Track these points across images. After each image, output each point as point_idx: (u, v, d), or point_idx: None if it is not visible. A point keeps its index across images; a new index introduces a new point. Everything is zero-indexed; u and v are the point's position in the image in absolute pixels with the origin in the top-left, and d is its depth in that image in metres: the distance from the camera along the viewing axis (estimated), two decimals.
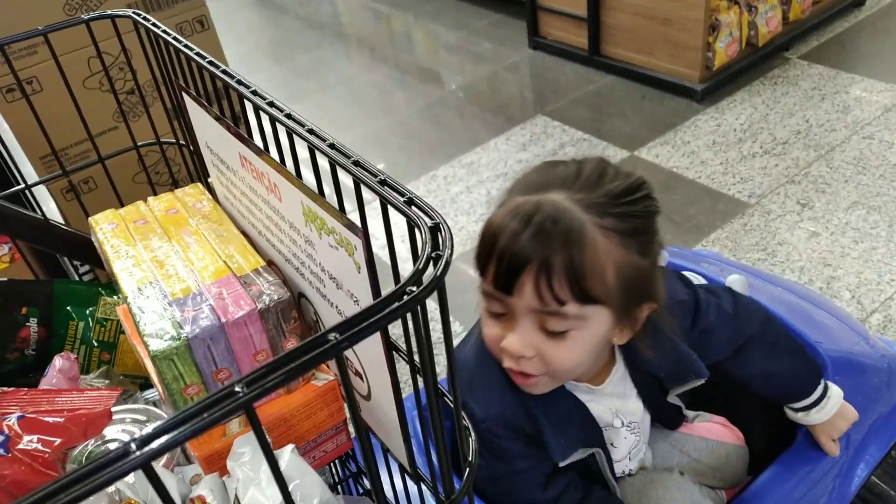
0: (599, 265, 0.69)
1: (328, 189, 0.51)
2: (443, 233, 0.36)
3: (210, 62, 0.59)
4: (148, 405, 0.72)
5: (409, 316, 0.38)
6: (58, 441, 0.49)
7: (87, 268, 1.44)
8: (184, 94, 0.70)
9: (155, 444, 0.27)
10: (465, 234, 2.37)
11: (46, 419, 0.49)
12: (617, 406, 0.94)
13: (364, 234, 0.46)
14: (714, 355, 0.98)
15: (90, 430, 0.52)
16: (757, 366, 1.01)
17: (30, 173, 1.61)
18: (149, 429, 0.28)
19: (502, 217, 0.72)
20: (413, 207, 0.39)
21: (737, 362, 1.01)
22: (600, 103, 2.99)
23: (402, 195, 0.40)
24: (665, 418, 1.06)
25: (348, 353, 0.63)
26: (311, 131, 0.47)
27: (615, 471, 0.97)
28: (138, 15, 0.73)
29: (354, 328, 0.31)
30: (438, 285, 0.33)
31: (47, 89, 1.52)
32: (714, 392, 1.08)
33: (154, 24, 0.70)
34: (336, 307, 0.59)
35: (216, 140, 0.69)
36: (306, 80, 3.67)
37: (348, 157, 0.44)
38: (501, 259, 0.70)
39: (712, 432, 1.13)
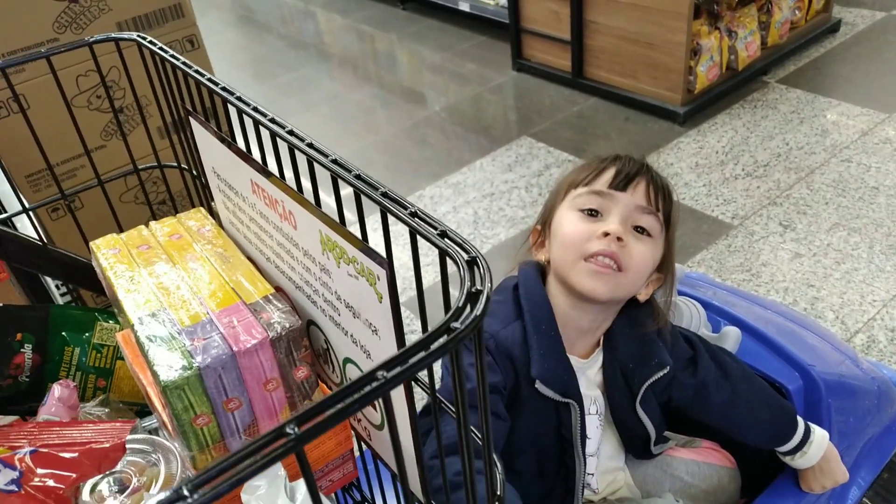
0: (675, 204, 0.97)
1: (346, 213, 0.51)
2: (480, 268, 0.36)
3: (224, 88, 0.59)
4: (148, 434, 0.71)
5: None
6: (73, 476, 0.48)
7: (65, 292, 1.42)
8: (191, 119, 0.70)
9: (206, 489, 0.27)
10: None
11: (61, 454, 0.48)
12: (595, 393, 1.00)
13: (389, 264, 0.46)
14: (678, 395, 1.04)
15: (105, 464, 0.51)
16: (720, 409, 1.04)
17: (5, 193, 1.58)
18: (199, 474, 0.27)
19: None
20: (447, 240, 0.39)
21: (700, 406, 1.04)
22: (584, 125, 3.02)
23: (435, 228, 0.40)
24: (633, 447, 1.07)
25: None
26: (335, 161, 0.47)
27: (587, 467, 1.01)
28: (143, 39, 0.73)
29: (401, 366, 0.31)
30: (479, 324, 0.33)
31: (34, 107, 1.51)
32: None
33: (161, 49, 0.70)
34: (351, 336, 0.58)
35: (224, 165, 0.69)
36: (289, 98, 3.67)
37: (376, 187, 0.44)
38: (624, 165, 0.95)
39: (704, 456, 1.14)
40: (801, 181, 2.48)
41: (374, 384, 0.30)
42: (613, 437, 1.07)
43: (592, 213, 0.94)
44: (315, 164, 0.50)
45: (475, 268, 0.36)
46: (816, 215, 2.32)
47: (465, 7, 3.89)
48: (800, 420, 1.05)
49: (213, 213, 0.80)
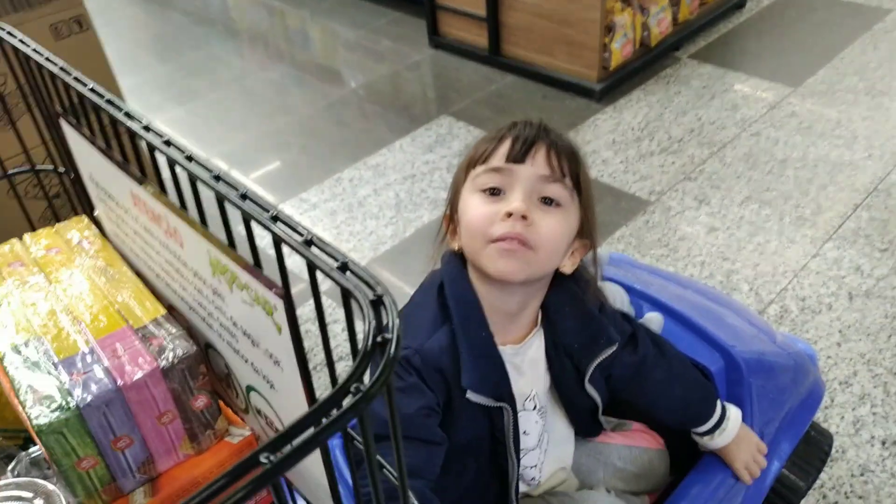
0: (582, 164, 0.90)
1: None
2: (388, 309, 0.31)
3: (92, 90, 0.51)
4: (35, 476, 0.63)
5: None
6: None
7: None
8: (62, 122, 0.61)
9: None
10: (374, 239, 2.31)
11: None
12: (533, 385, 0.97)
13: (286, 294, 0.40)
14: (618, 373, 1.02)
15: None
16: (656, 387, 1.04)
17: None
18: None
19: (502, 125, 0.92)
20: (349, 274, 0.34)
21: (637, 384, 1.04)
22: (503, 103, 2.99)
23: (336, 259, 0.34)
24: (581, 420, 1.06)
25: (266, 405, 0.57)
26: (217, 177, 0.41)
27: (525, 463, 0.99)
28: (2, 29, 0.63)
29: (290, 446, 0.26)
30: (388, 379, 0.29)
31: None
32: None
33: (22, 41, 0.61)
34: (252, 364, 0.53)
35: (103, 174, 0.61)
36: (196, 79, 3.49)
37: (266, 210, 0.38)
38: (519, 135, 0.88)
39: (634, 439, 1.14)
40: (714, 156, 2.53)
41: (259, 471, 0.25)
42: (563, 416, 1.05)
43: (495, 192, 0.88)
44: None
45: (382, 308, 0.31)
46: (729, 189, 2.37)
47: None
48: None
49: (97, 222, 0.72)
